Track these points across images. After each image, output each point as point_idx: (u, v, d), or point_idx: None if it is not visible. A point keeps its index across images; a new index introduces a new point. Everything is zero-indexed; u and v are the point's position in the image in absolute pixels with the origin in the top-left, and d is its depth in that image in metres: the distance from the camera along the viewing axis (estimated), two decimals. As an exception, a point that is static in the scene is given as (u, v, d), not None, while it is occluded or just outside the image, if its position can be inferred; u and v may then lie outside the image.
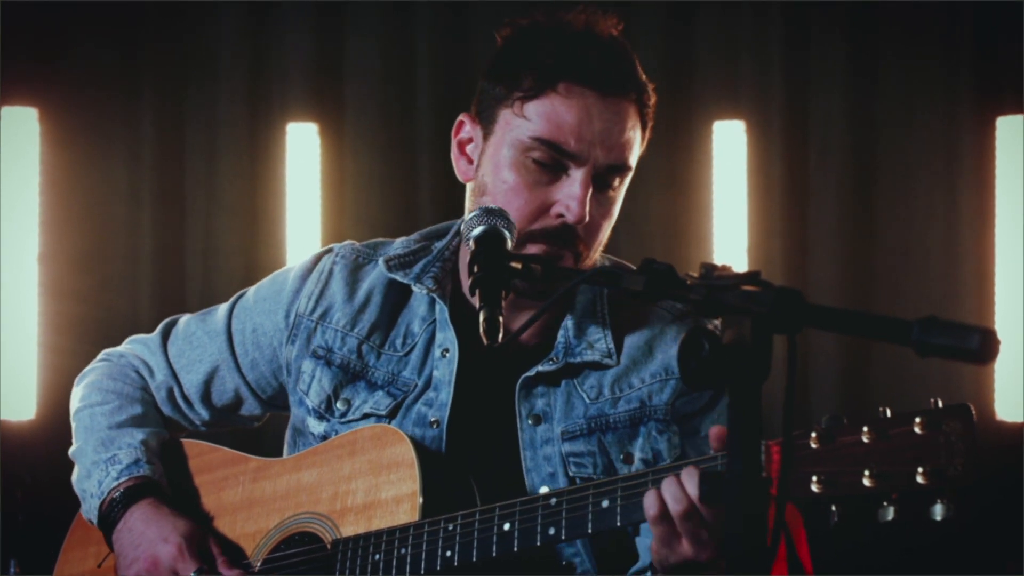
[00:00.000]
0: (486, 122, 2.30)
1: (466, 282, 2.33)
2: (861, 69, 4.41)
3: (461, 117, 2.36)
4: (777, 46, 4.42)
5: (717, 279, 1.67)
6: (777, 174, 4.42)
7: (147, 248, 4.35)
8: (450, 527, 2.18)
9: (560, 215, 2.22)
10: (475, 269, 2.06)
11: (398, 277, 2.39)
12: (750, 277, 1.65)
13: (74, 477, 2.48)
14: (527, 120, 2.23)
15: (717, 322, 1.87)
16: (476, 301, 2.04)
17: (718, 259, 4.26)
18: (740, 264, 4.28)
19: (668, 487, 1.98)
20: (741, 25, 4.44)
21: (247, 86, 4.42)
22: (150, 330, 2.62)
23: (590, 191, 2.23)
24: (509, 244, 2.12)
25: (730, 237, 4.38)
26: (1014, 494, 4.27)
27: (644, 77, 2.31)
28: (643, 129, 2.32)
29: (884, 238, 4.45)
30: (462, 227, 2.18)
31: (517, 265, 2.06)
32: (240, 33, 4.42)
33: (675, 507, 1.97)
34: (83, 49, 4.41)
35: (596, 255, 2.34)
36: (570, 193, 2.21)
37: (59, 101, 4.38)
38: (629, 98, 2.26)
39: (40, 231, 4.30)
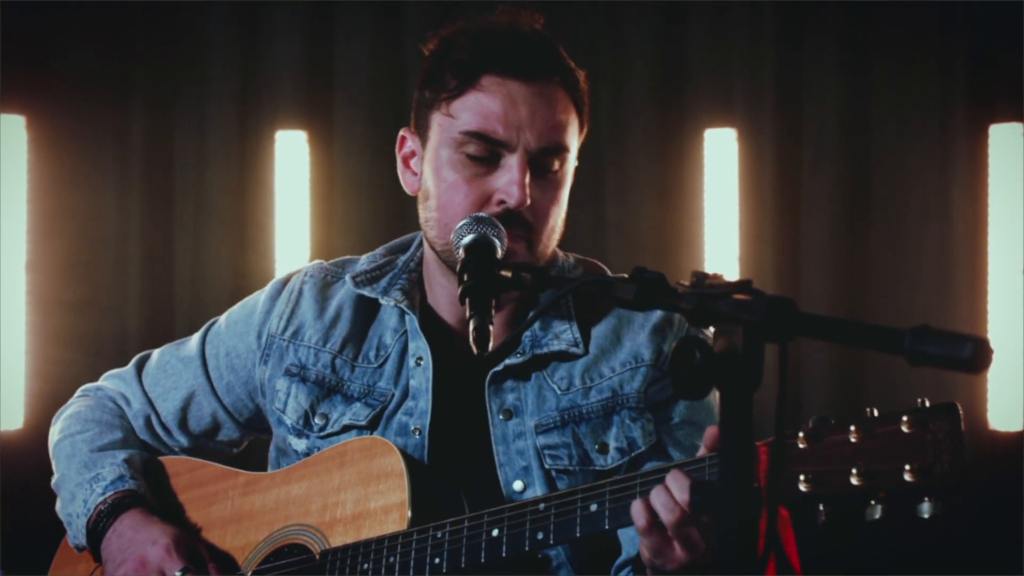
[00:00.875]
0: (421, 130, 2.33)
1: (433, 291, 2.41)
2: (854, 76, 4.40)
3: (402, 133, 2.39)
4: (769, 53, 4.41)
5: (708, 288, 1.67)
6: (769, 182, 4.40)
7: (136, 256, 4.32)
8: (439, 535, 2.19)
9: (501, 201, 2.24)
10: (465, 278, 2.05)
11: (366, 292, 2.42)
12: (742, 286, 1.64)
13: (58, 506, 2.50)
14: (455, 119, 2.26)
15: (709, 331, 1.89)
16: (466, 310, 2.03)
17: (709, 268, 4.24)
18: (732, 273, 4.27)
19: (657, 496, 1.96)
20: (733, 32, 4.43)
21: (236, 93, 4.40)
22: (139, 337, 2.64)
23: (528, 175, 2.24)
24: (499, 252, 2.14)
25: (721, 245, 4.37)
26: (1008, 503, 4.27)
27: (571, 64, 2.32)
28: (578, 113, 2.33)
29: (877, 246, 4.44)
30: (452, 235, 2.19)
31: (507, 274, 2.05)
32: (229, 40, 4.39)
33: (668, 516, 1.95)
34: (71, 56, 4.39)
35: (551, 244, 2.35)
36: (508, 179, 2.23)
37: (47, 109, 4.36)
38: (554, 81, 2.28)
39: (28, 239, 4.27)
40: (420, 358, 2.36)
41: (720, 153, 4.37)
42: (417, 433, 2.34)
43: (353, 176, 4.40)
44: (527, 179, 2.23)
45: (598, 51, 4.33)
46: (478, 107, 2.25)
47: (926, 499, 1.81)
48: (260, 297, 2.52)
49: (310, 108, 4.37)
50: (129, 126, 4.38)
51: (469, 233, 2.13)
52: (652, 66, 4.40)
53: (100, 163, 4.38)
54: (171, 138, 4.37)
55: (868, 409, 1.88)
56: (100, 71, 4.39)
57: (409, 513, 2.25)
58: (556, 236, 2.35)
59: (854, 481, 1.85)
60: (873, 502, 1.86)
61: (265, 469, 2.54)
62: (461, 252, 2.12)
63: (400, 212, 4.35)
